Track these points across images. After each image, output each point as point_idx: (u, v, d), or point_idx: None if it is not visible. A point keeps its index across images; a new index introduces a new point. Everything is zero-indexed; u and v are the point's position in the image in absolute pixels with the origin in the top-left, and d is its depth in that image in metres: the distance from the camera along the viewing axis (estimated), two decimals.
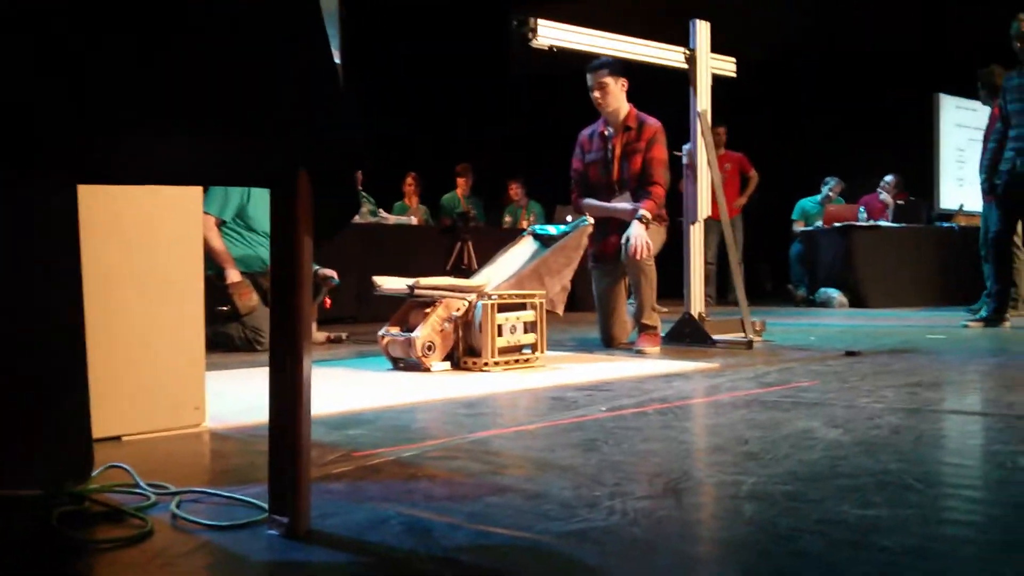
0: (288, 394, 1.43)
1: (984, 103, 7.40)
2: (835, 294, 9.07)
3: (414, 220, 8.43)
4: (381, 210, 8.10)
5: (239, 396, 2.96)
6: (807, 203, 10.38)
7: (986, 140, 7.18)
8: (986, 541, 1.36)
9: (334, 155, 1.42)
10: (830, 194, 10.23)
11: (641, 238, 4.45)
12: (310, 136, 1.39)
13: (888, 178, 10.07)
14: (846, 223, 9.42)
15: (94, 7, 1.22)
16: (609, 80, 4.70)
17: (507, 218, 9.84)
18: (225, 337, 4.57)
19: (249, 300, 4.67)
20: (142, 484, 1.65)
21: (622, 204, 4.69)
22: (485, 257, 6.43)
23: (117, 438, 2.16)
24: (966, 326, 6.02)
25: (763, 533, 1.40)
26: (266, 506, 1.49)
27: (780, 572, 1.23)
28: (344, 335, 5.36)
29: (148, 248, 2.22)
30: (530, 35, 4.29)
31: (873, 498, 1.59)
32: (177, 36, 1.27)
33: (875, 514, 1.49)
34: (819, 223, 9.82)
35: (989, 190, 6.19)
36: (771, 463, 1.88)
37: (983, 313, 6.18)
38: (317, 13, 1.32)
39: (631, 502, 1.58)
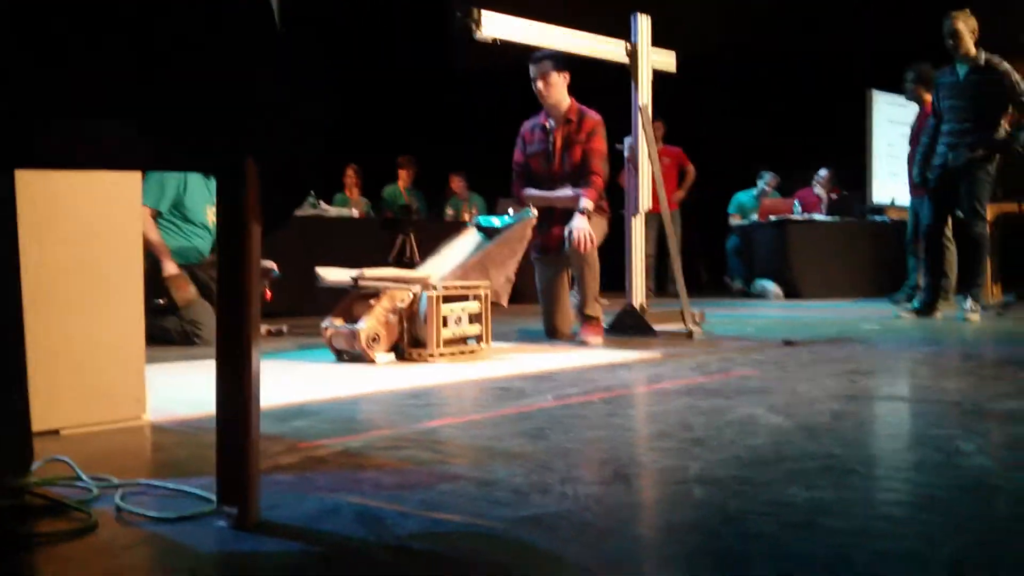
0: (237, 383, 1.40)
1: (909, 99, 7.59)
2: (771, 286, 9.23)
3: (355, 213, 8.36)
4: (321, 202, 8.01)
5: (180, 389, 2.91)
6: (743, 197, 10.53)
7: (914, 137, 7.38)
8: (930, 521, 1.39)
9: (281, 140, 1.40)
10: (766, 188, 10.39)
11: (584, 230, 4.48)
12: (256, 121, 1.37)
13: (822, 172, 10.26)
14: (781, 216, 9.59)
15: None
16: (552, 73, 4.72)
17: (449, 211, 9.81)
18: (163, 331, 4.48)
19: (187, 293, 4.59)
20: (84, 477, 1.61)
21: (563, 192, 4.72)
22: (427, 250, 6.40)
23: (55, 431, 2.10)
24: (899, 317, 6.16)
25: (713, 516, 1.42)
26: (214, 498, 1.46)
27: (731, 553, 1.25)
28: (285, 328, 5.30)
29: (86, 239, 2.17)
30: (474, 27, 4.28)
31: (819, 481, 1.62)
32: (119, 17, 1.24)
33: (821, 496, 1.52)
34: (755, 216, 9.97)
35: (922, 183, 6.34)
36: (717, 448, 1.91)
37: (915, 304, 6.33)
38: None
39: (582, 488, 1.59)
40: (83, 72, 1.27)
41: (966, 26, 5.86)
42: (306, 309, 6.95)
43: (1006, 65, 5.82)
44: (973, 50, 5.87)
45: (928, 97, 7.31)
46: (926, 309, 6.16)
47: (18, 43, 1.22)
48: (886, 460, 1.86)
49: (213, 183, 5.01)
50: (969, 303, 5.89)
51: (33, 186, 2.00)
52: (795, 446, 1.92)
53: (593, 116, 4.80)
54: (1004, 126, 5.89)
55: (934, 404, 2.54)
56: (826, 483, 1.61)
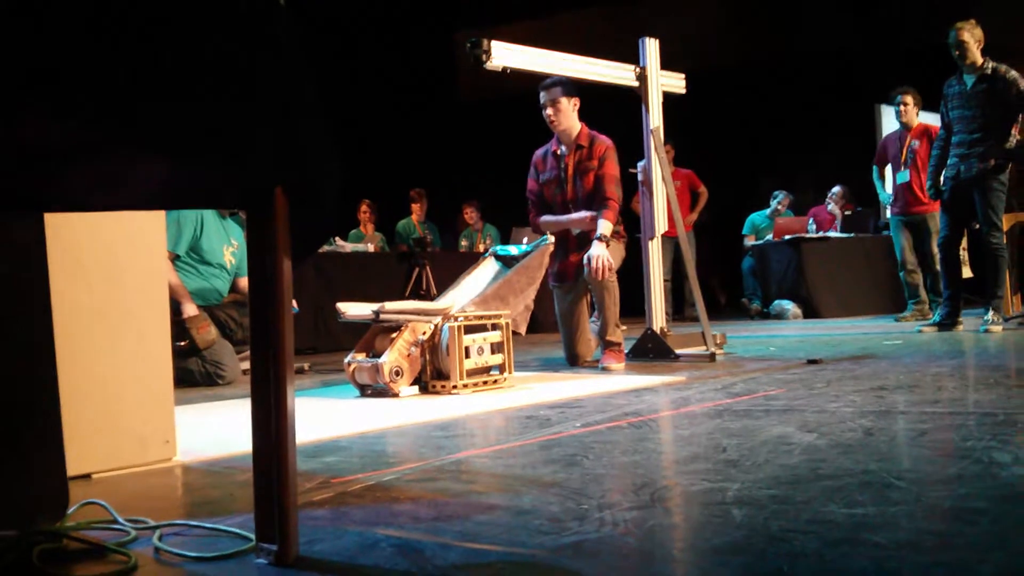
0: (272, 419, 1.40)
1: (899, 120, 7.64)
2: (789, 306, 9.18)
3: (370, 247, 8.39)
4: (336, 238, 8.04)
5: (207, 429, 2.91)
6: (757, 217, 10.52)
7: (880, 158, 7.70)
8: (974, 531, 1.38)
9: (310, 170, 1.40)
10: (779, 207, 10.37)
11: (602, 257, 4.47)
12: (285, 151, 1.37)
13: (835, 189, 10.23)
14: (796, 235, 9.56)
15: (61, 28, 1.19)
16: (562, 99, 4.73)
17: (463, 242, 9.83)
18: (185, 372, 4.49)
19: (207, 334, 4.60)
20: (120, 519, 1.61)
21: (578, 214, 4.73)
22: (443, 282, 6.42)
23: (87, 476, 2.10)
24: (920, 331, 6.12)
25: (756, 536, 1.40)
26: (251, 535, 1.46)
27: (778, 572, 1.23)
28: (306, 365, 5.30)
29: (112, 283, 2.18)
30: (484, 56, 4.31)
31: (858, 497, 1.60)
32: (147, 55, 1.25)
33: (863, 512, 1.50)
34: (769, 236, 9.95)
35: (934, 196, 6.31)
36: (752, 469, 1.89)
37: (936, 318, 6.30)
38: (289, 29, 1.31)
39: (620, 513, 1.57)
40: (106, 107, 1.27)
41: (972, 36, 5.83)
42: (324, 345, 6.98)
43: (1014, 73, 5.77)
44: (980, 59, 5.84)
45: (917, 122, 7.42)
46: (947, 322, 6.12)
47: (36, 79, 1.23)
48: (923, 473, 1.83)
49: (230, 223, 5.09)
50: (990, 315, 5.84)
51: (57, 230, 2.01)
52: (831, 463, 1.91)
53: (604, 140, 4.81)
54: (1015, 135, 5.85)
55: (966, 416, 2.52)
56: (865, 498, 1.59)
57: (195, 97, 1.27)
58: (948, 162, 6.04)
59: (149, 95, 1.25)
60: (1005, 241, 6.06)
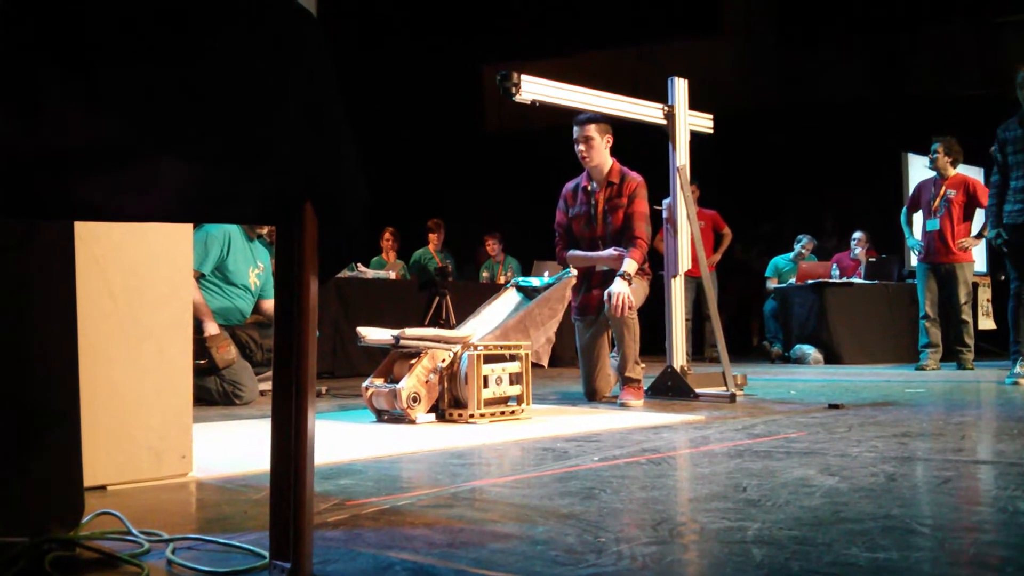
0: (293, 437, 1.39)
1: (930, 167, 7.54)
2: (810, 350, 9.11)
3: (392, 275, 8.41)
4: (359, 264, 8.07)
5: (223, 447, 2.91)
6: (780, 260, 10.48)
7: (913, 202, 7.62)
8: None
9: (335, 183, 1.39)
10: (802, 251, 10.33)
11: (622, 295, 4.45)
12: (311, 162, 1.36)
13: (857, 234, 10.20)
14: (819, 280, 9.51)
15: (93, 33, 1.20)
16: (595, 134, 4.73)
17: (484, 274, 9.84)
18: (203, 391, 4.50)
19: (227, 353, 4.61)
20: (134, 531, 1.60)
21: (606, 252, 4.71)
22: (463, 311, 6.42)
23: (102, 487, 2.10)
24: (1015, 383, 5.65)
25: (777, 575, 1.38)
26: (265, 553, 1.44)
27: None
28: (323, 389, 5.29)
29: (136, 297, 2.19)
30: (513, 90, 4.33)
31: (881, 541, 1.57)
32: (177, 63, 1.26)
33: (885, 556, 1.47)
34: (792, 280, 9.90)
35: (1000, 244, 5.87)
36: (773, 509, 1.86)
37: (1015, 369, 5.76)
38: (321, 40, 1.32)
39: (638, 548, 1.55)
40: (134, 110, 1.27)
41: None
42: (341, 370, 6.98)
43: None
44: None
45: (951, 171, 7.33)
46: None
47: (62, 79, 1.22)
48: (947, 520, 1.80)
49: (256, 245, 5.12)
50: (1019, 367, 5.64)
51: (82, 242, 2.02)
52: (852, 507, 1.88)
53: (635, 177, 4.80)
54: None
55: (990, 465, 2.48)
56: (888, 543, 1.56)
57: (223, 101, 1.27)
58: (1005, 208, 5.73)
59: (173, 95, 1.25)
60: None
